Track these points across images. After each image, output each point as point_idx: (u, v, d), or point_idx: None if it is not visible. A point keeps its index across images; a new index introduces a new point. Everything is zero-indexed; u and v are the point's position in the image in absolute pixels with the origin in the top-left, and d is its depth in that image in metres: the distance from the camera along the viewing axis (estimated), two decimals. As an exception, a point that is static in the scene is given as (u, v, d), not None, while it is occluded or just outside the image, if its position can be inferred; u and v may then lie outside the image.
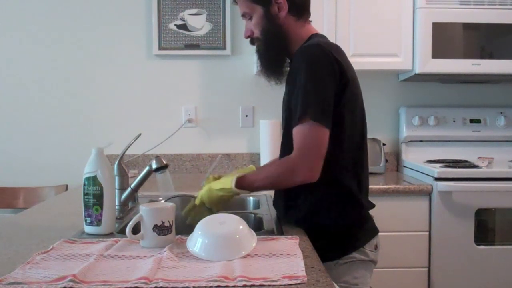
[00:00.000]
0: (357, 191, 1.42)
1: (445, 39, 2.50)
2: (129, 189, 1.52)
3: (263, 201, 1.79)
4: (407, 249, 2.30)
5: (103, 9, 2.79)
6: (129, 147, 1.53)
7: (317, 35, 1.46)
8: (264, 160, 2.67)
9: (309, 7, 1.48)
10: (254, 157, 2.83)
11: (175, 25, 2.78)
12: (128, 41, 2.81)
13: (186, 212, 1.47)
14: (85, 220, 1.32)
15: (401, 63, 2.55)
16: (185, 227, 1.40)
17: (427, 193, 2.30)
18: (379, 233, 1.48)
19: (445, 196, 2.26)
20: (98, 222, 1.31)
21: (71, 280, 0.92)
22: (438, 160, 2.63)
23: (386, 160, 2.77)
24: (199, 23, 2.78)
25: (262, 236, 1.24)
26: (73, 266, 1.02)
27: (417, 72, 2.52)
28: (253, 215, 1.62)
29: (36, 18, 2.79)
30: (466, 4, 2.49)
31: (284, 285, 0.92)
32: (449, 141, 2.76)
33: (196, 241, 1.12)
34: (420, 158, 2.70)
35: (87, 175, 1.31)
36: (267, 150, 2.69)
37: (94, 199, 1.31)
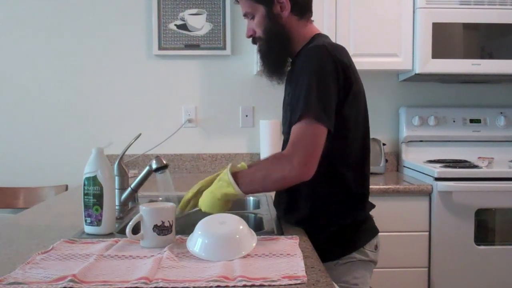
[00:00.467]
0: (358, 192, 1.43)
1: (445, 39, 2.50)
2: (129, 189, 1.52)
3: (263, 201, 1.79)
4: (407, 249, 2.30)
5: (103, 9, 2.79)
6: (129, 147, 1.53)
7: (320, 35, 1.46)
8: (264, 160, 2.67)
9: (311, 7, 1.47)
10: (254, 157, 2.83)
11: (175, 25, 2.78)
12: (128, 41, 2.81)
13: (182, 207, 1.44)
14: (85, 220, 1.32)
15: (401, 63, 2.55)
16: (185, 227, 1.40)
17: (427, 193, 2.30)
18: (379, 233, 1.48)
19: (445, 196, 2.26)
20: (98, 222, 1.31)
21: (71, 280, 0.92)
22: (438, 160, 2.63)
23: (386, 160, 2.77)
24: (199, 23, 2.78)
25: (262, 236, 1.24)
26: (73, 266, 1.02)
27: (417, 72, 2.52)
28: (253, 215, 1.62)
29: (36, 18, 2.79)
30: (466, 4, 2.49)
31: (284, 285, 0.92)
32: (449, 141, 2.76)
33: (196, 241, 1.12)
34: (420, 158, 2.70)
35: (87, 175, 1.31)
36: (267, 150, 2.69)
37: (94, 199, 1.31)
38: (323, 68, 1.30)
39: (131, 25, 2.80)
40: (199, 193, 1.41)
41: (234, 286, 0.91)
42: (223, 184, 1.32)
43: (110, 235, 1.31)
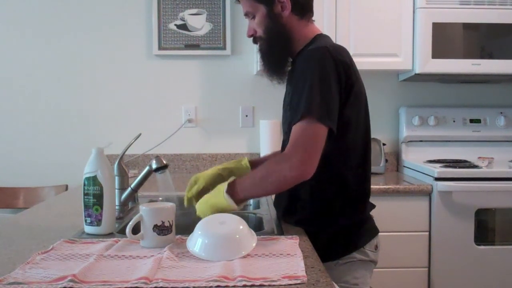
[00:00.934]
0: (359, 192, 1.43)
1: (445, 39, 2.50)
2: (129, 189, 1.52)
3: (263, 201, 1.79)
4: (407, 249, 2.30)
5: (103, 9, 2.79)
6: (129, 147, 1.53)
7: (321, 36, 1.46)
8: (264, 160, 2.67)
9: (312, 7, 1.47)
10: (254, 157, 2.83)
11: (175, 25, 2.78)
12: (128, 41, 2.81)
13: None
14: (85, 220, 1.32)
15: (401, 63, 2.55)
16: (185, 227, 1.40)
17: (427, 193, 2.30)
18: (379, 233, 1.48)
19: (445, 196, 2.26)
20: (98, 222, 1.31)
21: (71, 280, 0.92)
22: (438, 160, 2.63)
23: (386, 160, 2.77)
24: (199, 23, 2.78)
25: (262, 236, 1.24)
26: (73, 266, 1.02)
27: (417, 72, 2.52)
28: (253, 215, 1.63)
29: (36, 18, 2.79)
30: (466, 4, 2.49)
31: (284, 285, 0.92)
32: (449, 141, 2.76)
33: (196, 241, 1.12)
34: (420, 158, 2.70)
35: (87, 175, 1.31)
36: (267, 150, 2.69)
37: (94, 199, 1.31)
38: (325, 69, 1.30)
39: (131, 25, 2.80)
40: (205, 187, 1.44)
41: (234, 286, 0.91)
42: (220, 200, 1.31)
43: (110, 235, 1.30)
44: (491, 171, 2.33)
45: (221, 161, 2.83)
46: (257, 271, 0.98)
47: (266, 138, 2.72)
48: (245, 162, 1.57)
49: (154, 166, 1.49)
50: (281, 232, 1.33)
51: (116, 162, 1.55)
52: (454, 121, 2.76)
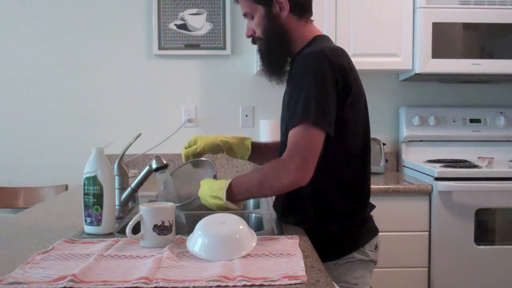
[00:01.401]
0: (359, 192, 1.43)
1: (445, 39, 2.50)
2: (129, 189, 1.52)
3: (263, 201, 1.79)
4: (407, 249, 2.30)
5: (103, 9, 2.79)
6: (129, 147, 1.53)
7: (320, 37, 1.46)
8: (264, 160, 2.67)
9: (311, 7, 1.47)
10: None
11: (175, 25, 2.78)
12: (128, 41, 2.81)
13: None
14: (85, 220, 1.32)
15: (401, 63, 2.55)
16: (185, 227, 1.40)
17: (427, 193, 2.30)
18: (379, 233, 1.48)
19: (445, 196, 2.26)
20: (98, 222, 1.31)
21: (71, 280, 0.92)
22: (438, 160, 2.64)
23: (386, 160, 2.77)
24: (199, 23, 2.78)
25: (262, 236, 1.24)
26: (73, 266, 1.02)
27: (417, 72, 2.52)
28: (253, 215, 1.63)
29: (36, 18, 2.79)
30: (466, 4, 2.49)
31: (284, 285, 0.92)
32: (449, 141, 2.76)
33: (196, 241, 1.12)
34: (420, 158, 2.70)
35: (87, 175, 1.31)
36: (267, 150, 2.69)
37: (94, 199, 1.31)
38: (322, 73, 1.30)
39: (131, 25, 2.80)
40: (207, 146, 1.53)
41: (234, 286, 0.91)
42: (218, 199, 1.32)
43: (110, 235, 1.30)
44: (491, 171, 2.33)
45: (221, 161, 2.83)
46: (257, 271, 0.98)
47: (266, 138, 2.72)
48: (248, 142, 1.61)
49: (154, 166, 1.49)
50: (281, 232, 1.33)
51: (116, 162, 1.55)
52: (454, 121, 2.76)
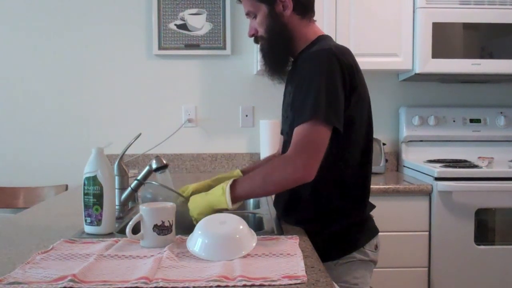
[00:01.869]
0: (359, 192, 1.43)
1: (445, 39, 2.50)
2: (129, 189, 1.52)
3: (263, 201, 1.79)
4: (407, 249, 2.30)
5: (103, 9, 2.79)
6: (129, 147, 1.53)
7: (324, 37, 1.46)
8: (264, 160, 2.67)
9: (314, 7, 1.47)
10: (254, 157, 2.83)
11: (175, 25, 2.78)
12: (128, 41, 2.81)
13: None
14: (85, 220, 1.32)
15: (401, 63, 2.55)
16: (185, 227, 1.40)
17: (427, 193, 2.30)
18: (379, 233, 1.48)
19: (445, 196, 2.26)
20: (98, 222, 1.31)
21: (71, 280, 0.92)
22: (438, 160, 2.64)
23: (386, 160, 2.77)
24: (199, 23, 2.78)
25: (262, 236, 1.24)
26: (73, 266, 1.02)
27: (417, 72, 2.52)
28: (253, 215, 1.63)
29: (36, 18, 2.79)
30: (466, 4, 2.49)
31: (284, 285, 0.92)
32: (449, 141, 2.76)
33: (196, 241, 1.12)
34: (420, 158, 2.70)
35: (87, 175, 1.31)
36: (267, 150, 2.69)
37: (94, 199, 1.31)
38: (330, 71, 1.30)
39: (131, 25, 2.80)
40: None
41: (234, 286, 0.91)
42: (217, 196, 1.31)
43: (110, 235, 1.31)
44: (491, 171, 2.33)
45: (221, 161, 2.84)
46: (257, 271, 0.98)
47: (266, 138, 2.72)
48: (237, 172, 1.57)
49: (154, 166, 1.49)
50: (281, 232, 1.33)
51: (116, 162, 1.55)
52: (454, 121, 2.76)
